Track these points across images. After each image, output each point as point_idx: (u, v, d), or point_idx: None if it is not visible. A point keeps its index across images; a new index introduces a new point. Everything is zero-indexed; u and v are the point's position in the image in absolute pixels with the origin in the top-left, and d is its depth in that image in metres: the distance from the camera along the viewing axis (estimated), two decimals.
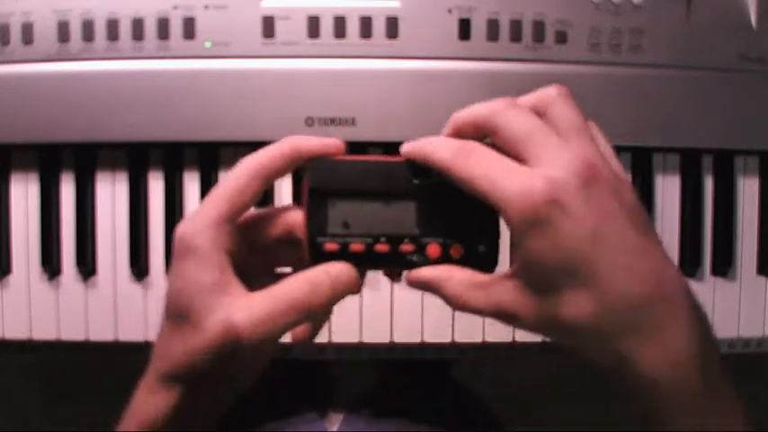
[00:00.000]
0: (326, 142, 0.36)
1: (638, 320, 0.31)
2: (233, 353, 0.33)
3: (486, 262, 0.37)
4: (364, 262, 0.37)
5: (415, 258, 0.37)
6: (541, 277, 0.32)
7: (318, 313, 0.35)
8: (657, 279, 0.31)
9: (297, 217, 0.37)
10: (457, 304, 0.35)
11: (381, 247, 0.37)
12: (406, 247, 0.37)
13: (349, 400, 0.66)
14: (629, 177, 0.55)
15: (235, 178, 0.35)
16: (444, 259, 0.37)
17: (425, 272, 0.36)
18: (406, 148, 0.37)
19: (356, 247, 0.37)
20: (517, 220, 0.31)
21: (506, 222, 0.32)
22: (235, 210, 0.35)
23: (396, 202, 0.38)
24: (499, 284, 0.34)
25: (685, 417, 0.31)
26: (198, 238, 0.34)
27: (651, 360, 0.31)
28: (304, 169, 0.37)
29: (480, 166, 0.33)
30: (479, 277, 0.35)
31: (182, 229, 0.35)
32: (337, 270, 0.35)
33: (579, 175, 0.31)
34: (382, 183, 0.38)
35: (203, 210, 0.35)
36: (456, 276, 0.35)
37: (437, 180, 0.36)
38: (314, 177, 0.37)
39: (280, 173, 0.36)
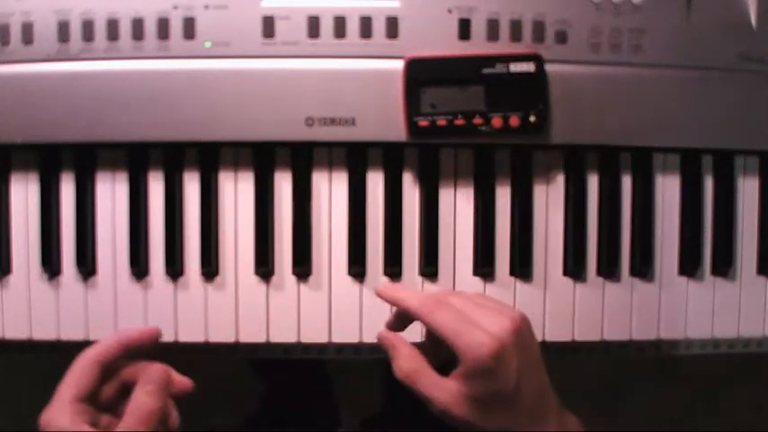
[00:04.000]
0: (145, 330, 0.50)
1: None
2: None
3: (536, 128, 0.51)
4: (448, 133, 0.50)
5: (484, 129, 0.50)
6: (481, 399, 0.42)
7: (164, 411, 0.45)
8: (551, 413, 0.44)
9: (129, 373, 0.47)
10: (407, 380, 0.44)
11: (459, 122, 0.50)
12: (477, 120, 0.49)
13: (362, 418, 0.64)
14: (629, 177, 0.56)
15: (77, 368, 0.45)
16: (506, 128, 0.50)
17: (387, 334, 0.48)
18: (382, 292, 0.49)
19: (441, 122, 0.50)
20: (470, 366, 0.41)
21: (461, 364, 0.42)
22: (81, 391, 0.44)
23: (469, 87, 0.50)
24: (444, 384, 0.43)
25: None
26: (59, 419, 0.43)
27: None
28: (403, 69, 0.50)
29: (441, 320, 0.43)
30: (430, 371, 0.44)
31: (45, 416, 0.44)
32: (153, 373, 0.45)
33: (512, 333, 0.42)
34: (459, 73, 0.50)
35: (58, 397, 0.44)
36: (416, 366, 0.45)
37: (498, 70, 0.50)
38: (408, 73, 0.50)
39: (113, 360, 0.46)
